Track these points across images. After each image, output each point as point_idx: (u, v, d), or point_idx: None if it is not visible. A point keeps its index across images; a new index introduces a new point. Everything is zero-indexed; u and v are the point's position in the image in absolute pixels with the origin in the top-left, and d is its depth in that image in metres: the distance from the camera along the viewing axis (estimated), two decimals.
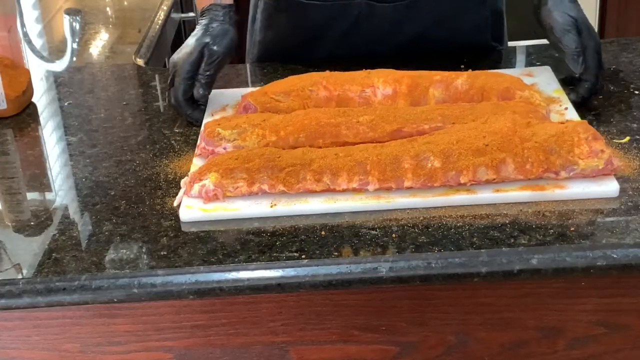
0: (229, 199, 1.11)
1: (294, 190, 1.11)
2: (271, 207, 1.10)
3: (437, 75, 1.29)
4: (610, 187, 1.08)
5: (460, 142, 1.10)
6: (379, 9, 1.50)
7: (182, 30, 2.36)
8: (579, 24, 1.26)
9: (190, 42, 1.30)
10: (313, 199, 1.10)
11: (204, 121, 1.28)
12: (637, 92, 1.30)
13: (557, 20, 1.26)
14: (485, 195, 1.08)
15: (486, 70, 1.33)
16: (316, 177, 1.10)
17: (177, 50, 1.31)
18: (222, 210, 1.09)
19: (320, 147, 1.18)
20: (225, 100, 1.37)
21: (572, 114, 1.23)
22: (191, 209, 1.10)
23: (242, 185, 1.11)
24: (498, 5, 1.58)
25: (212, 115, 1.32)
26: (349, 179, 1.10)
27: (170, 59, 1.31)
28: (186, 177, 1.14)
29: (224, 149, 1.19)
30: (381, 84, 1.29)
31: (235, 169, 1.11)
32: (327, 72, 1.33)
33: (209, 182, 1.11)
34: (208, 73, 1.29)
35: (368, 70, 1.32)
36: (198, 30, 1.32)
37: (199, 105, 1.31)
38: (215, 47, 1.30)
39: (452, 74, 1.30)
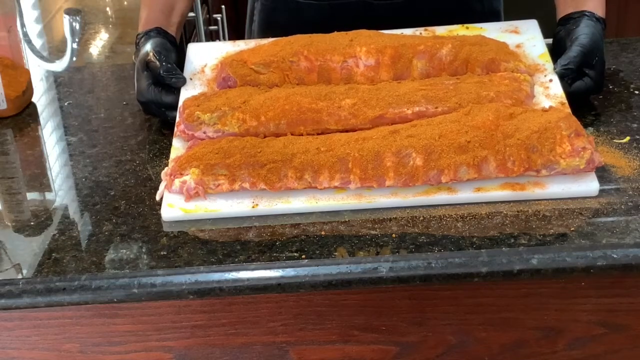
0: (210, 196, 1.11)
1: (275, 188, 1.10)
2: (253, 207, 1.09)
3: (421, 44, 1.27)
4: (590, 187, 1.08)
5: (443, 138, 1.09)
6: (377, 8, 1.50)
7: (182, 30, 2.36)
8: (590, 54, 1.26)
9: (136, 67, 1.31)
10: (294, 199, 1.10)
11: (182, 91, 1.28)
12: (637, 92, 1.30)
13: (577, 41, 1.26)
14: (466, 195, 1.09)
15: (471, 36, 1.31)
16: (297, 175, 1.10)
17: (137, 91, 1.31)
18: (203, 211, 1.09)
19: (302, 134, 1.17)
20: (203, 59, 1.37)
21: (555, 88, 1.23)
22: (173, 207, 1.10)
23: (224, 183, 1.11)
24: (495, 5, 1.58)
25: (191, 78, 1.32)
26: (330, 177, 1.10)
27: (138, 95, 1.30)
28: (167, 169, 1.14)
29: (204, 132, 1.19)
30: (363, 55, 1.27)
31: (216, 165, 1.11)
32: (309, 38, 1.30)
33: (190, 178, 1.11)
34: (169, 67, 1.28)
35: (350, 36, 1.29)
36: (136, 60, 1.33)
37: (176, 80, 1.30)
38: (157, 48, 1.30)
39: (437, 42, 1.28)
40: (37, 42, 2.04)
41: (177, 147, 1.20)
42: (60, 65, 1.42)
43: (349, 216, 1.08)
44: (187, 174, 1.11)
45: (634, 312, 1.08)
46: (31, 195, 1.20)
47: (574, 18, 1.30)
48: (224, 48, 1.40)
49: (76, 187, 1.19)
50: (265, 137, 1.17)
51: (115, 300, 1.01)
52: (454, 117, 1.13)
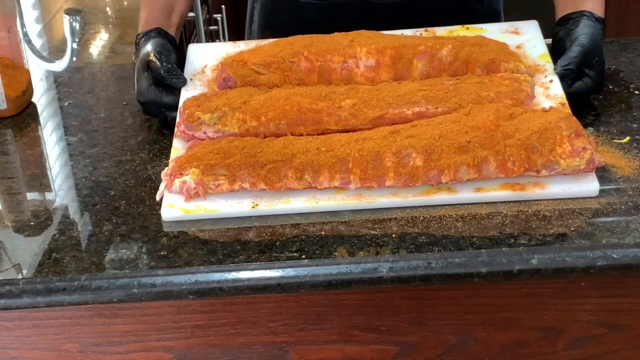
0: (210, 196, 1.11)
1: (275, 188, 1.10)
2: (253, 207, 1.09)
3: (421, 45, 1.27)
4: (590, 187, 1.08)
5: (443, 138, 1.09)
6: (378, 8, 1.50)
7: (182, 30, 2.36)
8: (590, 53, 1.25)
9: (137, 68, 1.31)
10: (294, 199, 1.10)
11: (183, 91, 1.28)
12: (637, 92, 1.30)
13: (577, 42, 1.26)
14: (466, 195, 1.09)
15: (472, 37, 1.31)
16: (297, 175, 1.10)
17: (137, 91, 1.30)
18: (203, 211, 1.09)
19: (302, 135, 1.17)
20: (203, 60, 1.37)
21: (556, 89, 1.23)
22: (172, 207, 1.10)
23: (224, 183, 1.11)
24: (495, 5, 1.58)
25: (191, 79, 1.32)
26: (330, 177, 1.10)
27: (138, 95, 1.30)
28: (167, 169, 1.14)
29: (204, 133, 1.19)
30: (364, 55, 1.26)
31: (216, 165, 1.11)
32: (309, 38, 1.30)
33: (190, 178, 1.11)
34: (169, 67, 1.28)
35: (351, 37, 1.29)
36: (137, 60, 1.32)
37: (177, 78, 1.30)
38: (157, 49, 1.29)
39: (437, 43, 1.27)
40: (37, 42, 2.04)
41: (177, 148, 1.20)
42: (60, 65, 1.42)
43: (349, 216, 1.08)
44: (187, 174, 1.11)
45: (634, 312, 1.08)
46: (31, 195, 1.20)
47: (573, 18, 1.30)
48: (225, 49, 1.40)
49: (76, 187, 1.19)
50: (265, 137, 1.17)
51: (115, 300, 1.01)
52: (454, 117, 1.13)
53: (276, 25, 1.56)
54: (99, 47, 2.14)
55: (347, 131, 1.17)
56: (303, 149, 1.11)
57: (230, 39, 2.79)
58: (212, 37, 2.69)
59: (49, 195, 1.20)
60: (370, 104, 1.18)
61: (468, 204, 1.08)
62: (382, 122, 1.17)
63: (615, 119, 1.23)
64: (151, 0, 1.40)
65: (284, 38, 1.33)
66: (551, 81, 1.25)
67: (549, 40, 1.35)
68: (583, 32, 1.26)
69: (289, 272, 1.00)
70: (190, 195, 1.11)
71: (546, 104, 1.20)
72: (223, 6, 2.78)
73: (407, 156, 1.09)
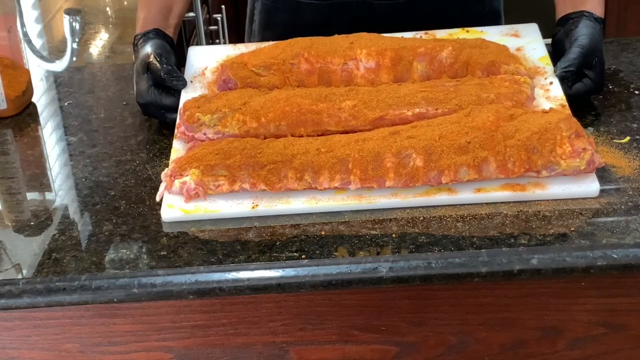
0: (210, 197, 1.11)
1: (275, 189, 1.10)
2: (252, 208, 1.09)
3: (422, 47, 1.27)
4: (590, 188, 1.08)
5: (443, 138, 1.09)
6: (378, 8, 1.50)
7: (182, 30, 2.37)
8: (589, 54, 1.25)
9: (136, 69, 1.30)
10: (295, 200, 1.10)
11: (183, 93, 1.28)
12: (637, 92, 1.30)
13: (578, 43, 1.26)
14: (466, 196, 1.09)
15: (472, 39, 1.31)
16: (297, 176, 1.10)
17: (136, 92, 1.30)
18: (203, 212, 1.09)
19: (302, 136, 1.17)
20: (204, 62, 1.37)
21: (556, 91, 1.23)
22: (172, 208, 1.10)
23: (224, 184, 1.11)
24: (496, 5, 1.58)
25: (192, 81, 1.32)
26: (330, 177, 1.10)
27: (137, 96, 1.30)
28: (167, 170, 1.14)
29: (204, 134, 1.19)
30: (364, 57, 1.26)
31: (216, 166, 1.11)
32: (309, 40, 1.30)
33: (190, 179, 1.11)
34: (170, 69, 1.28)
35: (351, 39, 1.30)
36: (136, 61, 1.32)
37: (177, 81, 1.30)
38: (157, 50, 1.29)
39: (437, 45, 1.27)
40: (37, 42, 2.04)
41: (177, 149, 1.20)
42: (60, 65, 1.42)
43: (349, 216, 1.08)
44: (187, 175, 1.11)
45: (634, 312, 1.08)
46: (31, 195, 1.20)
47: (572, 18, 1.30)
48: (225, 51, 1.40)
49: (76, 187, 1.19)
50: (265, 138, 1.17)
51: (115, 300, 1.01)
52: (454, 118, 1.13)
53: (276, 25, 1.56)
54: (99, 47, 2.14)
55: (347, 132, 1.17)
56: (303, 150, 1.11)
57: (230, 39, 2.79)
58: (212, 37, 2.68)
59: (49, 195, 1.20)
60: (371, 105, 1.18)
61: (468, 204, 1.08)
62: (382, 123, 1.17)
63: (615, 119, 1.23)
64: (149, 1, 1.40)
65: (284, 40, 1.33)
66: (551, 83, 1.25)
67: (549, 41, 1.35)
68: (582, 33, 1.26)
69: (289, 272, 1.00)
70: (190, 195, 1.11)
71: (546, 105, 1.20)
72: (223, 6, 2.78)
73: (407, 157, 1.09)
